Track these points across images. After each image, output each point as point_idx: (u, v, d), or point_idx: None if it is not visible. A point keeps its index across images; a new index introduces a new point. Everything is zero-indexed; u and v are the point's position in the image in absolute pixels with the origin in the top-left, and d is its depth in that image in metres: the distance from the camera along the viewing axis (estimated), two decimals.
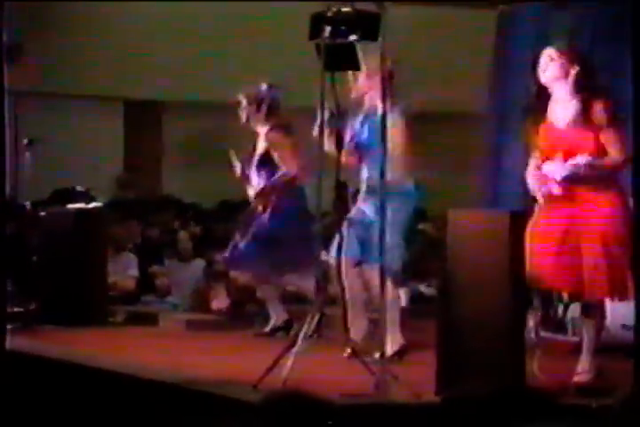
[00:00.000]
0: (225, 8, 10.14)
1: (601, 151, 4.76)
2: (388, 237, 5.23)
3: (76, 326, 6.74)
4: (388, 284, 5.51)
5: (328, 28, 5.05)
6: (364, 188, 5.74)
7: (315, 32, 5.15)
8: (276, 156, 6.52)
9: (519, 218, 4.67)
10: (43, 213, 7.37)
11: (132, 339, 6.56)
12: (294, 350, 4.73)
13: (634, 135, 4.41)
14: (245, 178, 6.63)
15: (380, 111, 5.02)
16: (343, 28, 5.08)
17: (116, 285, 7.80)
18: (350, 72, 5.62)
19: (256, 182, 6.58)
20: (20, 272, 7.25)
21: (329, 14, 5.09)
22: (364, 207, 5.70)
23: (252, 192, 6.59)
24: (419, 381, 4.63)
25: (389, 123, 5.06)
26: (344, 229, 5.44)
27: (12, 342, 6.00)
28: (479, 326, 4.51)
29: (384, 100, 5.00)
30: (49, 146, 8.04)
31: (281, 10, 9.76)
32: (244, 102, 6.55)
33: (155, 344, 6.32)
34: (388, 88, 5.26)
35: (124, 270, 8.06)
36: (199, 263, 8.36)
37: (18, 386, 5.00)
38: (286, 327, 6.52)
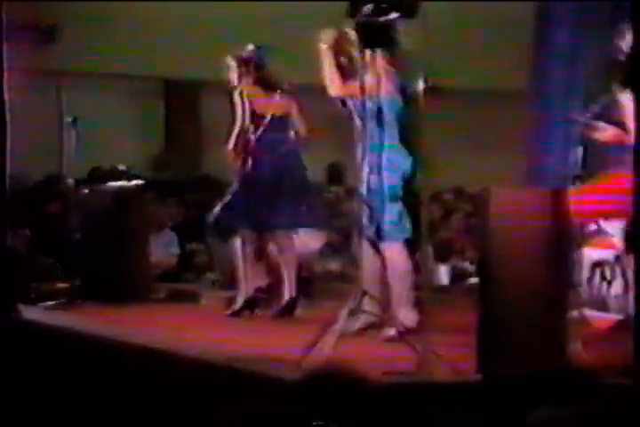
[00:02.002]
0: None
1: None
2: (387, 209, 5.23)
3: (118, 303, 6.79)
4: (395, 256, 5.47)
5: (369, 6, 5.04)
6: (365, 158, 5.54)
7: (354, 9, 5.14)
8: (293, 117, 6.51)
9: (561, 195, 4.64)
10: (85, 191, 7.42)
11: (175, 316, 6.58)
12: (337, 327, 4.74)
13: (635, 133, 4.37)
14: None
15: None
16: (384, 5, 5.07)
17: (161, 262, 7.86)
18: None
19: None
20: (64, 249, 7.33)
21: None
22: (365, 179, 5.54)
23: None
24: (460, 359, 4.63)
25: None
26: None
27: (55, 318, 6.08)
28: (521, 303, 4.50)
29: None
30: (92, 125, 8.10)
31: None
32: (234, 64, 6.57)
33: (197, 322, 6.36)
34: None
35: (165, 248, 8.12)
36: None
37: (60, 362, 5.06)
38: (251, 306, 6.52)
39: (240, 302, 6.55)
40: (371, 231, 5.47)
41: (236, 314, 6.49)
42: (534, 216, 4.55)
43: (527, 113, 8.38)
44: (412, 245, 5.54)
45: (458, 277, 8.51)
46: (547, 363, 4.22)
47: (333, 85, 5.60)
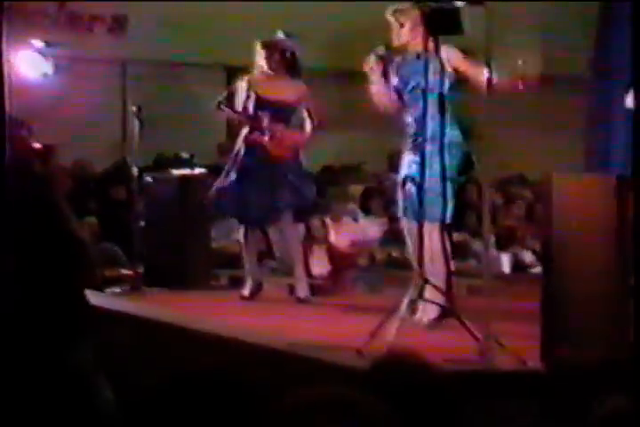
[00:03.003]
0: None
1: None
2: (433, 190, 5.23)
3: (181, 290, 6.86)
4: (434, 237, 5.41)
5: None
6: (408, 139, 5.61)
7: None
8: (306, 107, 6.63)
9: (626, 182, 4.59)
10: (149, 179, 7.49)
11: (236, 302, 6.64)
12: (398, 315, 4.74)
13: (633, 133, 4.28)
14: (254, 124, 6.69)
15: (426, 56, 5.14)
16: None
17: (223, 249, 7.90)
18: (393, 20, 5.61)
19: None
20: (128, 236, 7.41)
21: None
22: (411, 161, 5.56)
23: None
24: (523, 348, 4.61)
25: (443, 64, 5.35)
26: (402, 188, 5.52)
27: (119, 304, 6.16)
28: (585, 292, 4.47)
29: (429, 46, 5.11)
30: (155, 113, 8.16)
31: None
32: (265, 51, 6.59)
33: (257, 308, 6.40)
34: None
35: (227, 235, 8.16)
36: (301, 228, 8.40)
37: (122, 347, 5.11)
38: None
39: (301, 289, 6.57)
40: (412, 211, 5.44)
41: (302, 301, 6.51)
42: (597, 203, 4.52)
43: (589, 97, 8.29)
44: (447, 227, 5.55)
45: (519, 265, 8.47)
46: (611, 352, 4.19)
47: (381, 105, 5.64)
